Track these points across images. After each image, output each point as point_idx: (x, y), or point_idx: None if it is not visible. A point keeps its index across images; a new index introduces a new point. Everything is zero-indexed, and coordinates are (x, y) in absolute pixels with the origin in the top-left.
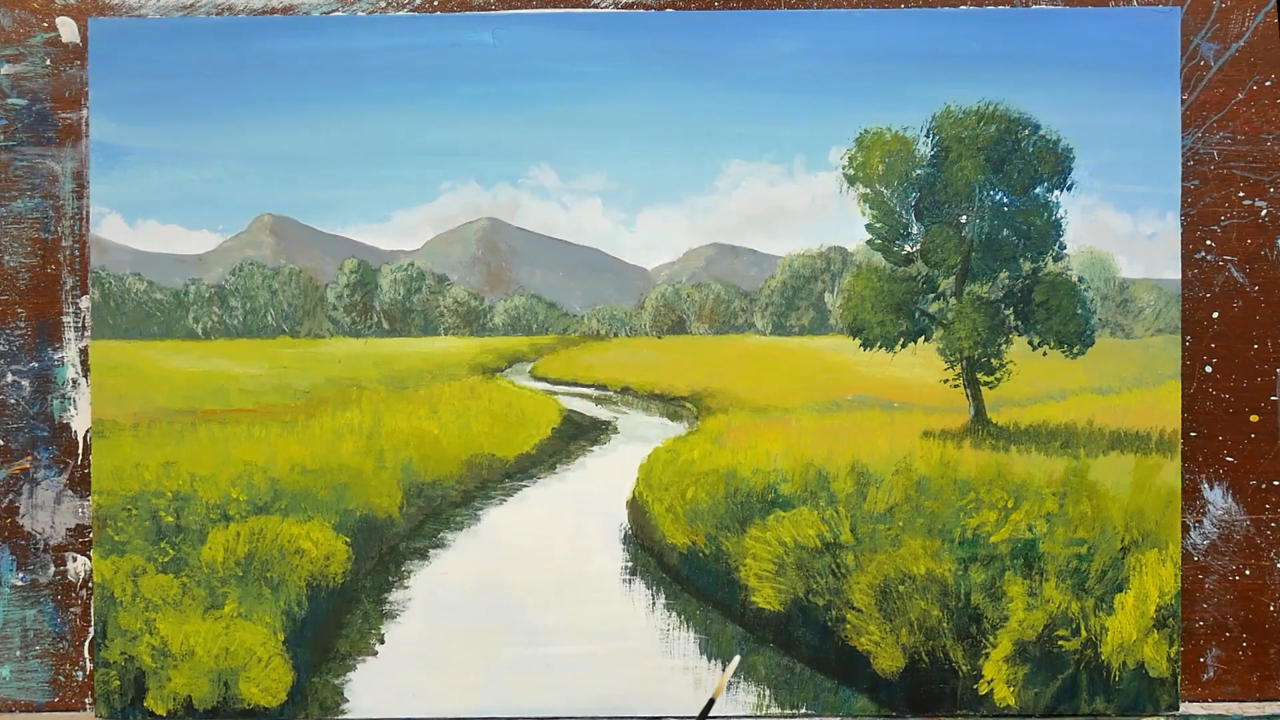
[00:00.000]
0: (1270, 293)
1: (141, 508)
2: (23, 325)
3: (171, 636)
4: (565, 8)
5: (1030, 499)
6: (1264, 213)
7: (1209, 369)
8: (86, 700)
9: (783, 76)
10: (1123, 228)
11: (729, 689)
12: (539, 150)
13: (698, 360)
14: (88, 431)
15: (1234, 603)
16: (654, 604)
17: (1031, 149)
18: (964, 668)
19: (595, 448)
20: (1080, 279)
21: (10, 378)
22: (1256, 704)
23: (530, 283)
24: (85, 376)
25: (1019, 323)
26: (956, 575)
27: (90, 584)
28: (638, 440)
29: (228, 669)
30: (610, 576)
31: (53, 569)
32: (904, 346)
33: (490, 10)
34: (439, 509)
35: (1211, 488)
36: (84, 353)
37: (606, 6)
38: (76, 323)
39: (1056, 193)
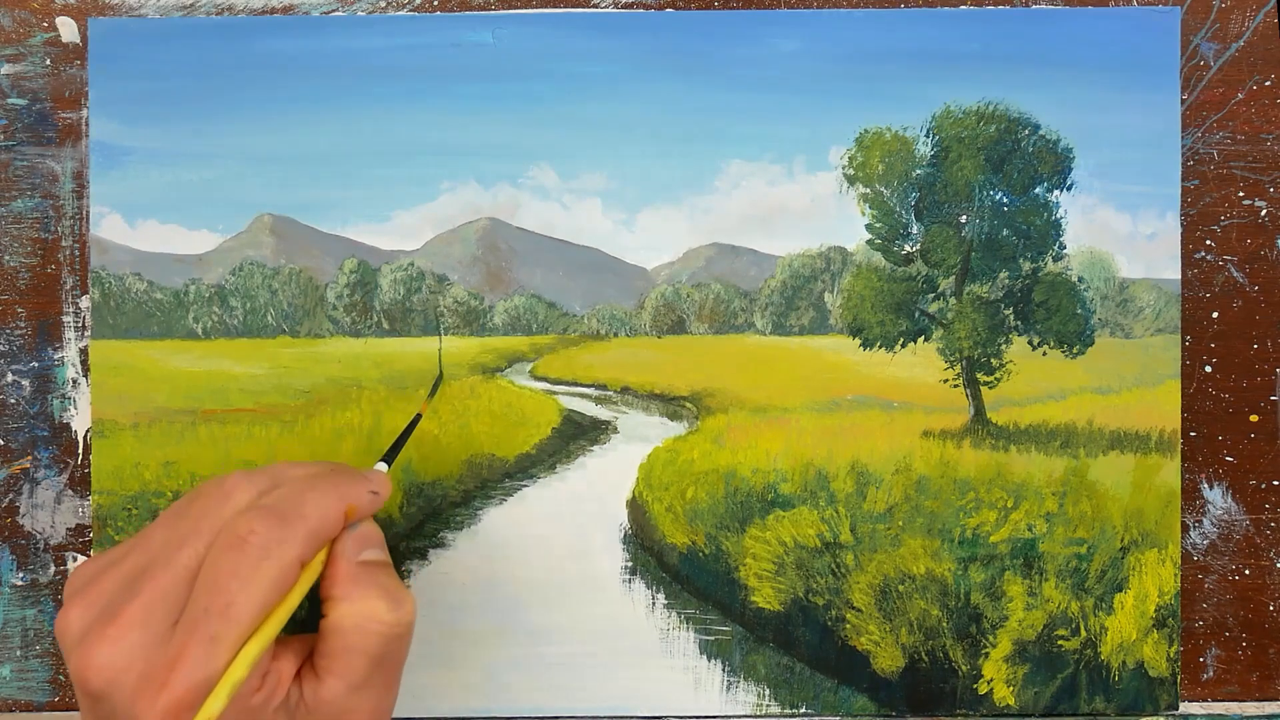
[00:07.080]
0: (1270, 293)
1: (141, 507)
2: (23, 325)
3: None
4: (565, 8)
5: (1030, 499)
6: (1264, 213)
7: (1209, 369)
8: None
9: (783, 76)
10: (1123, 228)
11: (729, 688)
12: (539, 150)
13: (698, 360)
14: (88, 431)
15: (1234, 603)
16: (654, 604)
17: (1031, 149)
18: (964, 667)
19: (595, 447)
20: (1080, 279)
21: (10, 378)
22: (1256, 704)
23: (530, 283)
24: (85, 376)
25: (1019, 323)
26: (956, 575)
27: None
28: (638, 440)
29: None
30: (610, 576)
31: (53, 569)
32: (904, 346)
33: (490, 10)
34: (439, 509)
35: (1211, 488)
36: (84, 353)
37: (606, 6)
38: (76, 323)
39: (1056, 193)
